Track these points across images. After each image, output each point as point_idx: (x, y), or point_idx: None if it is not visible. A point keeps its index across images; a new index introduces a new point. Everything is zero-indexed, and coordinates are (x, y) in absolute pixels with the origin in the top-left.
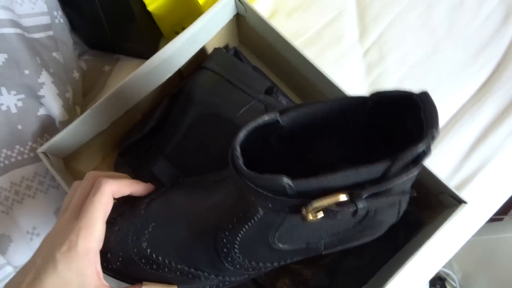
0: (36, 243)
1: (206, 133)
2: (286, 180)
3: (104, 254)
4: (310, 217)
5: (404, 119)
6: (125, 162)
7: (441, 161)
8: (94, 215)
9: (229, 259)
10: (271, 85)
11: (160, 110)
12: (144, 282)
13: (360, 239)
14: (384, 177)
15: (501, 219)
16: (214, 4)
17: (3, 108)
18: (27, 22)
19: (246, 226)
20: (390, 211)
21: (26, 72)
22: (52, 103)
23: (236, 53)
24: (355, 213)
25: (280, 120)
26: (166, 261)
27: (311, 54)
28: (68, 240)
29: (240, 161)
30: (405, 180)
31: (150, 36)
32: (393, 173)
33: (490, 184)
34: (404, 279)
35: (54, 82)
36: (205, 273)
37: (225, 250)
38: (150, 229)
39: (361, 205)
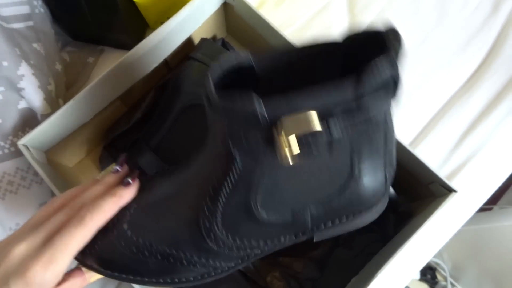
0: None
1: (193, 124)
2: (255, 96)
3: None
4: (286, 151)
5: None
6: (111, 156)
7: (431, 151)
8: (66, 249)
9: (212, 235)
10: None
11: (147, 102)
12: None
13: (349, 216)
14: (355, 99)
15: (490, 209)
16: None
17: None
18: (5, 11)
19: (226, 185)
20: (375, 169)
21: (5, 63)
22: (33, 96)
23: (224, 44)
24: (331, 145)
25: (252, 60)
26: (147, 243)
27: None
28: (27, 269)
29: (212, 88)
30: (381, 112)
31: (135, 26)
32: (362, 92)
33: (479, 174)
34: (395, 269)
35: (35, 74)
36: (187, 255)
37: (207, 223)
38: (132, 211)
39: (335, 130)
